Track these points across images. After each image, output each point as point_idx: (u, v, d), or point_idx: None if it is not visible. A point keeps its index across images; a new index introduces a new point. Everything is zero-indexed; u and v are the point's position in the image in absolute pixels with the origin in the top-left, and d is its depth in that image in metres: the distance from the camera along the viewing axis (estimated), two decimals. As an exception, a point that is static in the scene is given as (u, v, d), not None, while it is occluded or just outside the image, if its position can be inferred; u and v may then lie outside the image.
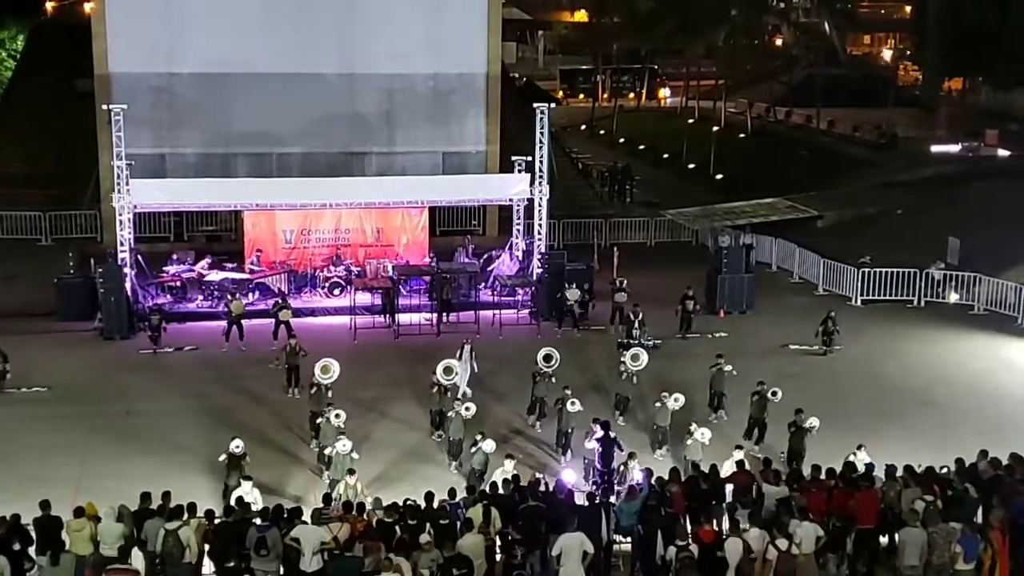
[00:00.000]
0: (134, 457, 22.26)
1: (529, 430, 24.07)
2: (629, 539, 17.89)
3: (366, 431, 23.36)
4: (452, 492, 18.02)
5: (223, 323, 29.52)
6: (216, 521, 17.12)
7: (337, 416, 21.39)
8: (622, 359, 24.97)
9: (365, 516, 17.26)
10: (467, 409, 22.05)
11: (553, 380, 24.25)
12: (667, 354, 28.56)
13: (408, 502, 17.83)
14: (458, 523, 16.97)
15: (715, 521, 17.68)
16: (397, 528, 16.70)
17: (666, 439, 22.78)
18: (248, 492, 18.53)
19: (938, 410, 25.68)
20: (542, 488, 18.38)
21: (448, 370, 23.64)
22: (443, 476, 20.96)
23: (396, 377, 26.65)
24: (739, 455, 19.53)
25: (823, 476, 18.75)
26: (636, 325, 28.65)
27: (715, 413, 24.55)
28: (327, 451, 20.63)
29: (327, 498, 18.67)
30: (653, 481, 18.46)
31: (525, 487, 18.20)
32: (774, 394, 23.01)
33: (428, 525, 16.65)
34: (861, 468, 19.18)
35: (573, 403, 22.34)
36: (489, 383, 26.13)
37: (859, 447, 20.16)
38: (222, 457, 19.95)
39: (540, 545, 17.16)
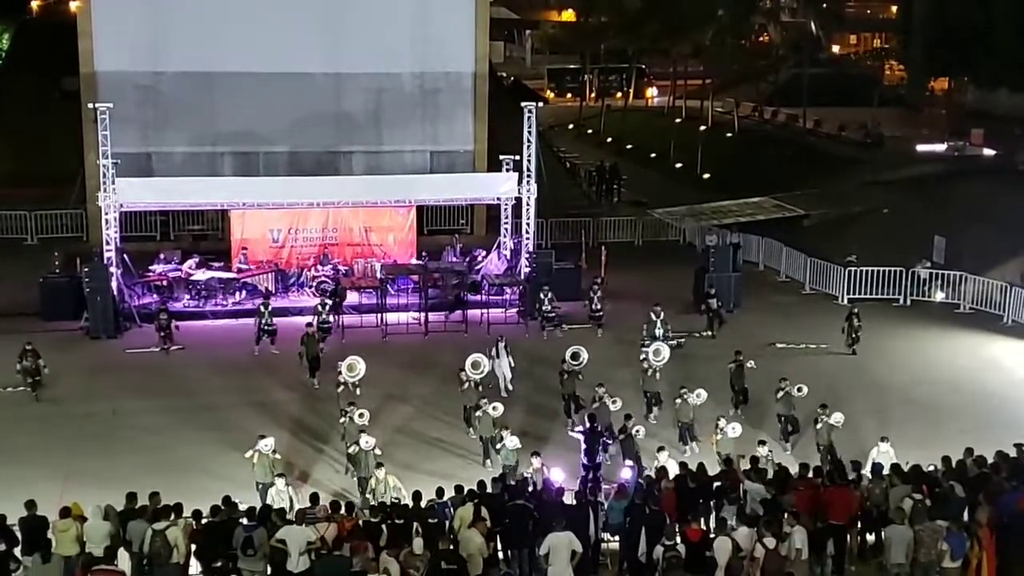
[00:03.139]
0: (120, 457, 22.20)
1: (558, 429, 24.06)
2: (617, 538, 17.89)
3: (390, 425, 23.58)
4: (440, 491, 17.99)
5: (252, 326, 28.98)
6: (203, 521, 17.04)
7: (361, 415, 21.47)
8: (643, 356, 25.09)
9: (353, 515, 17.24)
10: (494, 408, 22.14)
11: (580, 377, 24.39)
12: (690, 353, 28.75)
13: (395, 501, 17.82)
14: (447, 523, 16.97)
15: (703, 520, 17.68)
16: (384, 527, 16.66)
17: (692, 435, 22.90)
18: (283, 490, 18.61)
19: (923, 408, 25.76)
20: (530, 487, 18.36)
21: (476, 365, 23.74)
22: (477, 472, 21.04)
23: (385, 380, 26.62)
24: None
25: (811, 474, 18.81)
26: (658, 324, 28.59)
27: (735, 410, 24.77)
28: (350, 450, 20.70)
29: (336, 503, 18.54)
30: (641, 479, 18.48)
31: (513, 485, 18.19)
32: (799, 390, 23.21)
33: (416, 524, 16.62)
34: (885, 462, 19.28)
35: (615, 401, 22.52)
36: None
37: (882, 439, 20.48)
38: (248, 453, 19.94)
39: (527, 544, 17.14)
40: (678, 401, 23.23)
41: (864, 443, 21.76)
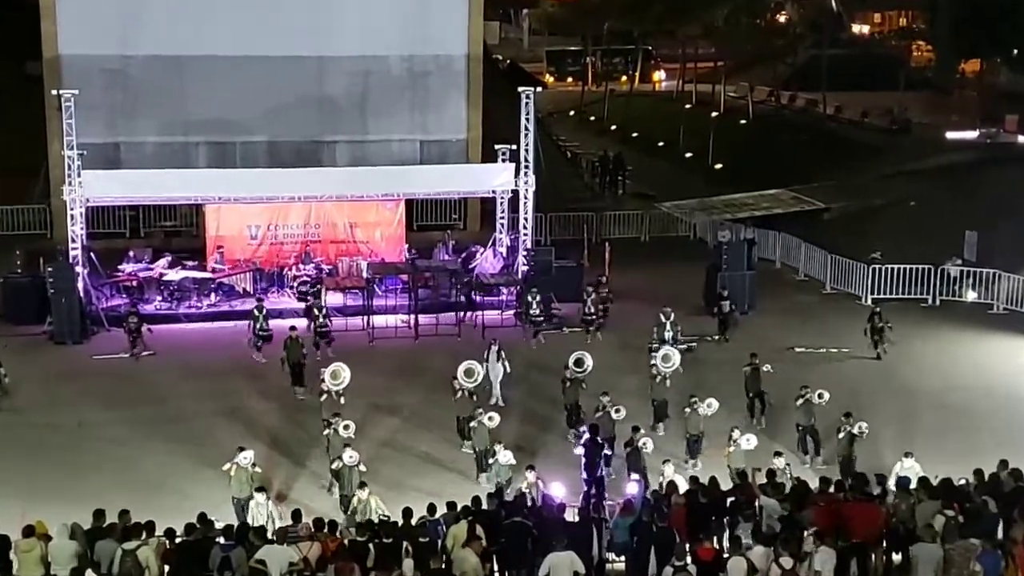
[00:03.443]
0: (87, 471, 22.22)
1: (555, 441, 24.15)
2: (623, 558, 17.92)
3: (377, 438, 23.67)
4: (432, 508, 18.02)
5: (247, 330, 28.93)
6: (177, 540, 17.06)
7: (346, 427, 21.49)
8: (652, 362, 25.15)
9: (338, 535, 17.25)
10: (490, 418, 22.17)
11: (584, 386, 24.46)
12: (701, 358, 28.86)
13: (383, 518, 17.84)
14: (439, 542, 16.99)
15: (715, 538, 17.70)
16: (371, 547, 16.68)
17: (699, 448, 22.94)
18: (263, 504, 18.65)
19: (954, 417, 25.80)
20: (529, 502, 18.39)
21: (469, 372, 23.75)
22: (470, 489, 20.97)
23: (372, 388, 26.64)
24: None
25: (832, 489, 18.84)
26: (667, 327, 28.62)
27: (753, 419, 24.83)
28: (333, 465, 20.72)
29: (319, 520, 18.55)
30: (649, 494, 18.51)
31: (510, 501, 18.21)
32: (820, 396, 23.25)
33: (406, 544, 16.64)
34: (912, 477, 19.33)
35: (619, 410, 22.54)
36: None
37: (907, 454, 20.42)
38: (227, 466, 19.98)
39: (526, 565, 17.16)
40: (687, 411, 23.24)
41: (888, 455, 21.80)
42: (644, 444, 21.32)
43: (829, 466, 22.51)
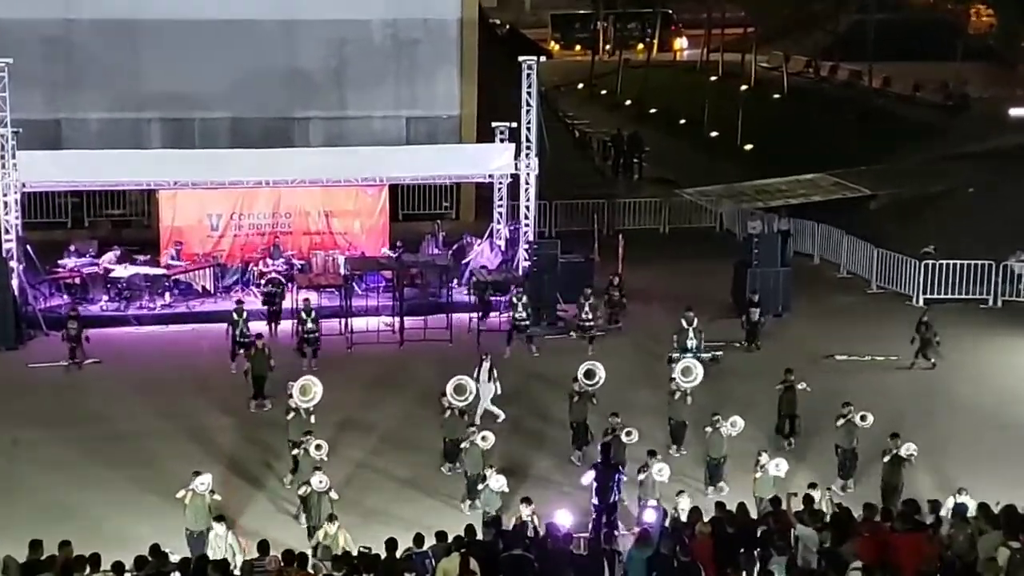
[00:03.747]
0: (22, 497, 22.19)
1: (555, 465, 24.13)
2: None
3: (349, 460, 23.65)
4: (419, 539, 18.02)
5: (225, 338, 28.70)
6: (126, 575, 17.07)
7: (318, 447, 21.48)
8: (672, 376, 25.16)
9: (310, 569, 17.25)
10: (483, 439, 22.16)
11: (594, 401, 24.48)
12: (727, 368, 28.87)
13: (363, 551, 17.83)
14: (426, 576, 17.01)
15: (744, 573, 17.70)
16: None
17: (720, 473, 22.94)
18: (223, 536, 18.63)
19: (1018, 435, 25.79)
20: (530, 532, 18.39)
21: (460, 389, 23.76)
22: (454, 518, 21.03)
23: (349, 402, 26.66)
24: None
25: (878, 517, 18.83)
26: (690, 333, 28.58)
27: (786, 440, 24.85)
28: (300, 491, 20.69)
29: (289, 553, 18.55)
30: (667, 523, 18.50)
31: (509, 531, 18.22)
32: (863, 418, 23.21)
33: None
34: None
35: (629, 433, 22.52)
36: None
37: (960, 490, 20.28)
38: (181, 493, 19.94)
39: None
40: (708, 431, 23.20)
41: (939, 480, 21.77)
42: (660, 471, 21.27)
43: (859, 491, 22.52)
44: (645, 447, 22.39)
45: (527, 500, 20.03)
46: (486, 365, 26.03)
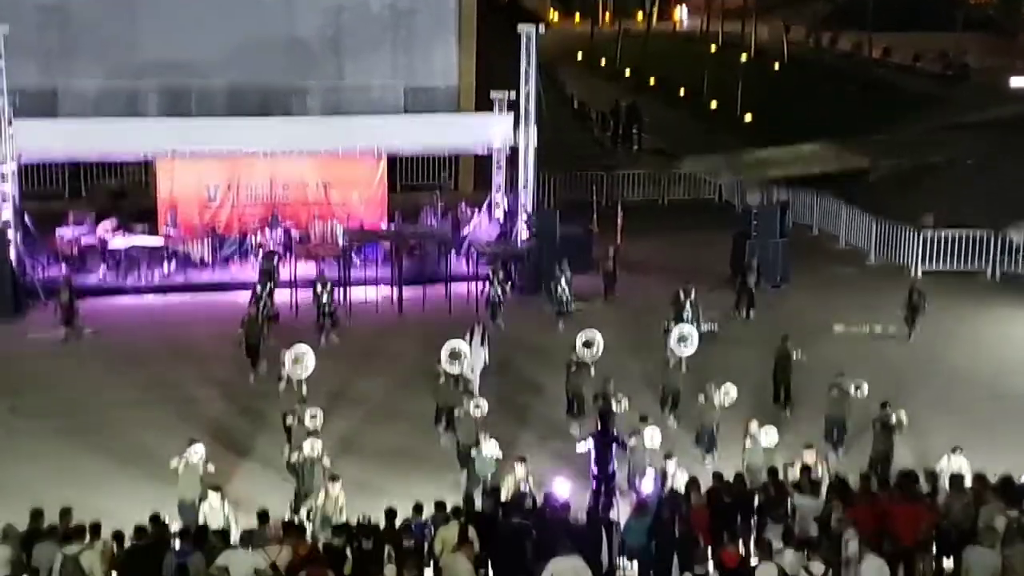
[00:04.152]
0: (21, 465, 22.27)
1: (553, 435, 24.18)
2: (636, 563, 18.04)
3: (340, 430, 23.62)
4: (418, 508, 18.11)
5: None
6: (126, 544, 17.15)
7: (313, 417, 21.31)
8: (668, 344, 25.20)
9: (309, 538, 17.34)
10: (476, 407, 22.15)
11: (592, 372, 24.52)
12: (722, 338, 28.99)
13: (362, 520, 17.91)
14: (426, 545, 17.09)
15: (741, 541, 17.82)
16: (348, 552, 16.79)
17: (714, 442, 23.04)
18: (218, 508, 18.66)
19: (1016, 405, 25.88)
20: (529, 502, 18.49)
21: (455, 355, 23.76)
22: (446, 488, 20.94)
23: (345, 372, 26.75)
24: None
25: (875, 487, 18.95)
26: (687, 306, 28.61)
27: (784, 411, 24.88)
28: (293, 457, 20.68)
29: (290, 522, 18.49)
30: (666, 491, 18.60)
31: (507, 501, 18.31)
32: (858, 388, 23.23)
33: (389, 549, 16.74)
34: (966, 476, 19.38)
35: (620, 401, 22.52)
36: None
37: (954, 449, 20.34)
38: (174, 463, 20.00)
39: (525, 572, 17.28)
40: (702, 399, 23.24)
41: (934, 450, 21.81)
42: (652, 437, 21.29)
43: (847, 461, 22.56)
44: (637, 415, 22.34)
45: (522, 459, 19.92)
46: (479, 331, 26.01)
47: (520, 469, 19.58)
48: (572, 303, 30.50)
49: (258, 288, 29.18)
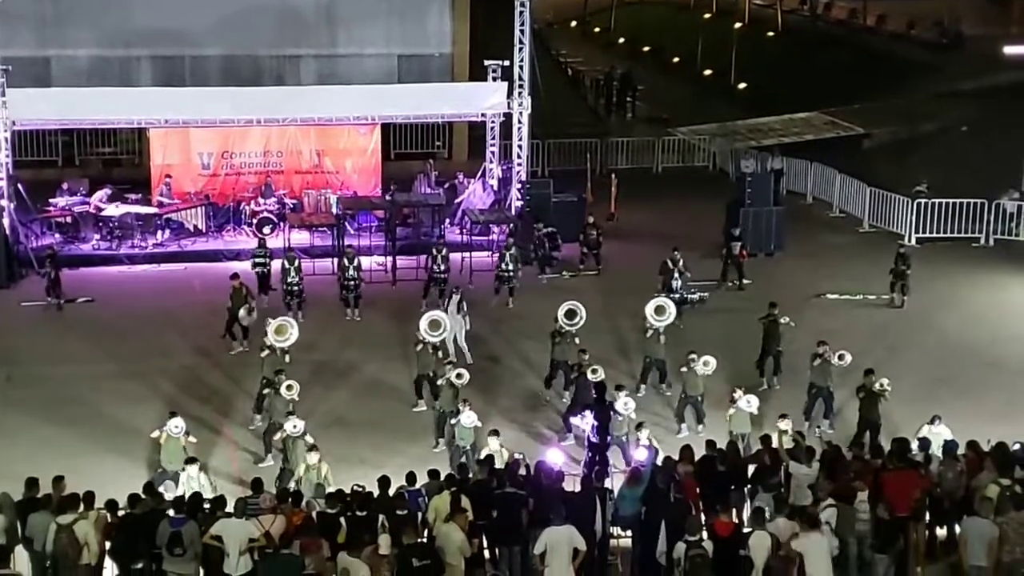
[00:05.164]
0: (16, 434, 22.25)
1: (537, 405, 24.25)
2: (629, 532, 18.05)
3: (322, 403, 23.60)
4: (411, 477, 18.10)
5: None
6: (120, 513, 17.14)
7: (289, 388, 21.23)
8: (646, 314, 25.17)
9: (303, 507, 17.33)
10: (458, 376, 22.11)
11: (577, 341, 24.40)
12: (709, 307, 28.97)
13: (356, 489, 17.90)
14: (419, 514, 17.08)
15: (734, 510, 17.80)
16: (342, 521, 16.77)
17: (701, 413, 23.03)
18: (195, 478, 18.66)
19: (1009, 373, 25.88)
20: (523, 471, 18.47)
21: (435, 324, 23.70)
22: (424, 458, 20.95)
23: (333, 342, 26.70)
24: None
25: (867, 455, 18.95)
26: (675, 274, 28.52)
27: (771, 376, 24.83)
28: (277, 435, 20.63)
29: (284, 491, 18.45)
30: (659, 461, 18.59)
31: (501, 470, 18.30)
32: (840, 357, 23.16)
33: (383, 517, 16.73)
34: (935, 446, 19.33)
35: (595, 370, 22.45)
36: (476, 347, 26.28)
37: (934, 419, 20.28)
38: (156, 433, 19.99)
39: (520, 541, 17.28)
40: (684, 370, 23.17)
41: (922, 418, 21.82)
42: (626, 405, 21.22)
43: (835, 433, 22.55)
44: (614, 384, 22.14)
45: (495, 432, 20.04)
46: (455, 298, 25.86)
47: (494, 442, 19.61)
48: (515, 278, 29.73)
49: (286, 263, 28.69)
